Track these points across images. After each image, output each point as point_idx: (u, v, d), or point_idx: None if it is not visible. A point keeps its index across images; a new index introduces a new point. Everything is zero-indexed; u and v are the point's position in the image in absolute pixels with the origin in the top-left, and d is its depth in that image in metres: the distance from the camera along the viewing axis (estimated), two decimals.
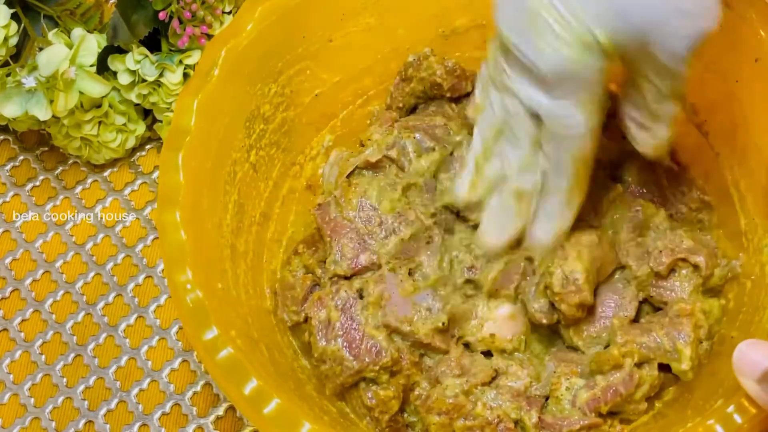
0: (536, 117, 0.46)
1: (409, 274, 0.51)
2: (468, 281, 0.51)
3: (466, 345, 0.51)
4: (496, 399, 0.48)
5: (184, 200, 0.47)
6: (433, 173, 0.54)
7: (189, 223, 0.47)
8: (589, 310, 0.50)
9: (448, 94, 0.57)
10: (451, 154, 0.55)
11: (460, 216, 0.53)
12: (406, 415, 0.50)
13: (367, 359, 0.48)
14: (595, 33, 0.42)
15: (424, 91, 0.58)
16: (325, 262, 0.53)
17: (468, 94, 0.58)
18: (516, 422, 0.48)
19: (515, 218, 0.49)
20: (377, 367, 0.48)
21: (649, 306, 0.52)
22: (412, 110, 0.59)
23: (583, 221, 0.50)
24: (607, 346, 0.49)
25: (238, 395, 0.42)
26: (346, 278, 0.52)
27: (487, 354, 0.51)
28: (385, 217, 0.52)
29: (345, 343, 0.49)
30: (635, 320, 0.51)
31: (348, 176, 0.55)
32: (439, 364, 0.50)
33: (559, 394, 0.48)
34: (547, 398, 0.49)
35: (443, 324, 0.49)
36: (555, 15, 0.42)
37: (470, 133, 0.52)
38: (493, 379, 0.50)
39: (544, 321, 0.49)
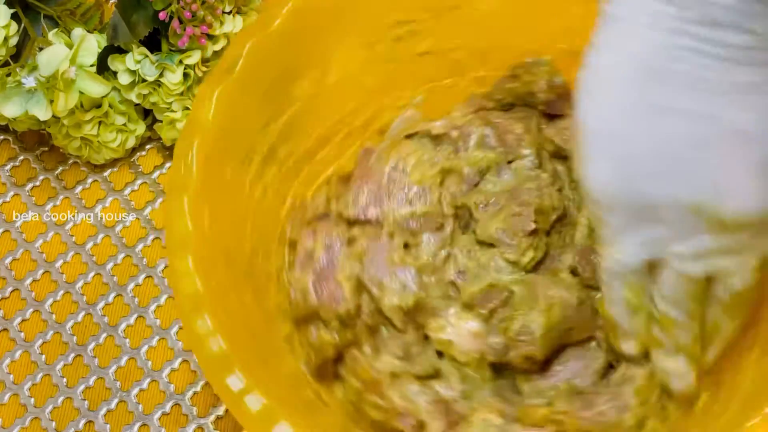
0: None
1: (405, 246, 0.51)
2: (453, 283, 0.51)
3: (427, 337, 0.51)
4: (417, 395, 0.48)
5: (193, 190, 0.46)
6: (481, 171, 0.53)
7: (197, 216, 0.46)
8: (545, 365, 0.49)
9: (542, 107, 0.55)
10: (509, 162, 0.53)
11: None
12: (340, 369, 0.50)
13: (326, 301, 0.48)
14: None
15: (521, 94, 0.56)
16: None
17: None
18: (421, 424, 0.47)
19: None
20: (331, 313, 0.49)
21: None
22: (510, 108, 0.57)
23: (579, 276, 0.49)
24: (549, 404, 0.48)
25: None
26: (349, 223, 0.52)
27: (441, 354, 0.50)
28: (411, 186, 0.52)
29: (314, 279, 0.49)
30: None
31: (407, 136, 0.55)
32: (390, 339, 0.50)
33: (473, 422, 0.47)
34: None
35: (407, 306, 0.49)
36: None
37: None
38: (430, 377, 0.49)
39: (492, 357, 0.48)
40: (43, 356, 0.60)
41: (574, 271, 0.50)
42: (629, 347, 0.46)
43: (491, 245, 0.50)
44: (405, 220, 0.51)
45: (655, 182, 0.41)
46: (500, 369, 0.49)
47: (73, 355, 0.60)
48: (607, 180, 0.42)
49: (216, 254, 0.47)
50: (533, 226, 0.49)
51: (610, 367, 0.49)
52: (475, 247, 0.51)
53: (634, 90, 0.40)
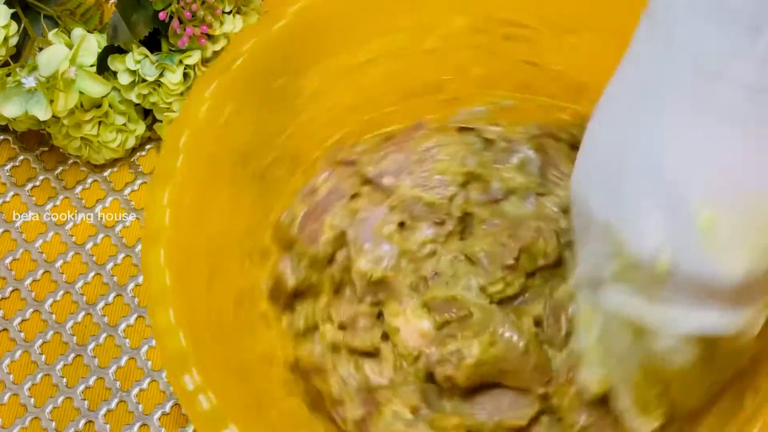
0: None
1: (400, 224, 0.51)
2: (424, 279, 0.51)
3: (380, 315, 0.51)
4: (346, 369, 0.48)
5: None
6: (508, 191, 0.52)
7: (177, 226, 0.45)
8: (468, 392, 0.49)
9: None
10: (539, 195, 0.52)
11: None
12: (296, 304, 0.51)
13: (305, 237, 0.49)
14: None
15: None
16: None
17: None
18: (341, 401, 0.47)
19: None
20: (304, 250, 0.50)
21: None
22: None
23: (540, 328, 0.49)
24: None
25: None
26: (363, 179, 0.52)
27: (387, 338, 0.50)
28: (433, 173, 0.52)
29: (305, 212, 0.50)
30: None
31: (460, 128, 0.54)
32: (346, 303, 0.50)
33: (383, 412, 0.48)
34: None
35: (374, 277, 0.50)
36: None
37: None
38: (366, 355, 0.49)
39: (424, 362, 0.49)
40: (43, 356, 0.60)
41: (538, 322, 0.49)
42: (585, 376, 0.45)
43: (472, 262, 0.50)
44: (412, 201, 0.52)
45: (592, 192, 0.40)
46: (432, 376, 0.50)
47: (73, 355, 0.60)
48: (574, 185, 0.42)
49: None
50: (512, 262, 0.49)
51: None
52: (460, 257, 0.51)
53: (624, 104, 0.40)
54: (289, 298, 0.50)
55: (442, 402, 0.49)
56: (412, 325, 0.49)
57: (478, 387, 0.49)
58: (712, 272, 0.36)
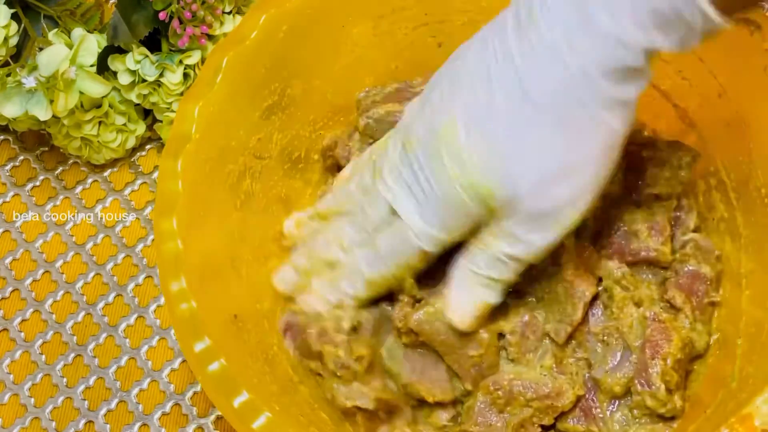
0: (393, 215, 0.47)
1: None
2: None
3: None
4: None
5: (181, 208, 0.47)
6: None
7: (186, 231, 0.47)
8: (418, 346, 0.50)
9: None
10: None
11: None
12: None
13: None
14: (489, 188, 0.43)
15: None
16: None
17: None
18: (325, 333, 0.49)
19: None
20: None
21: None
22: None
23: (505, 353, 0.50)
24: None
25: (228, 408, 0.43)
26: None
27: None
28: None
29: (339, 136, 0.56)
30: None
31: None
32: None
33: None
34: None
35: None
36: (458, 155, 0.43)
37: None
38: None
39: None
40: (43, 356, 0.60)
41: (501, 334, 0.49)
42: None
43: None
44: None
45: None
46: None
47: (73, 355, 0.60)
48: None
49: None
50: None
51: None
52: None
53: None
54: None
55: (385, 336, 0.50)
56: None
57: (420, 345, 0.49)
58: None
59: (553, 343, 0.49)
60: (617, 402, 0.48)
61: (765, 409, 0.40)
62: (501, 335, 0.49)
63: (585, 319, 0.49)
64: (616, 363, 0.48)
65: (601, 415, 0.48)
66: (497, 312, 0.49)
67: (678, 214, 0.53)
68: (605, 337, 0.49)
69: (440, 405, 0.49)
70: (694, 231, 0.52)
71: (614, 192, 0.51)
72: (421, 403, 0.50)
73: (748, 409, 0.40)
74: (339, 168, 0.56)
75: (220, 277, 0.50)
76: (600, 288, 0.50)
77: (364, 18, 0.57)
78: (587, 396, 0.48)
